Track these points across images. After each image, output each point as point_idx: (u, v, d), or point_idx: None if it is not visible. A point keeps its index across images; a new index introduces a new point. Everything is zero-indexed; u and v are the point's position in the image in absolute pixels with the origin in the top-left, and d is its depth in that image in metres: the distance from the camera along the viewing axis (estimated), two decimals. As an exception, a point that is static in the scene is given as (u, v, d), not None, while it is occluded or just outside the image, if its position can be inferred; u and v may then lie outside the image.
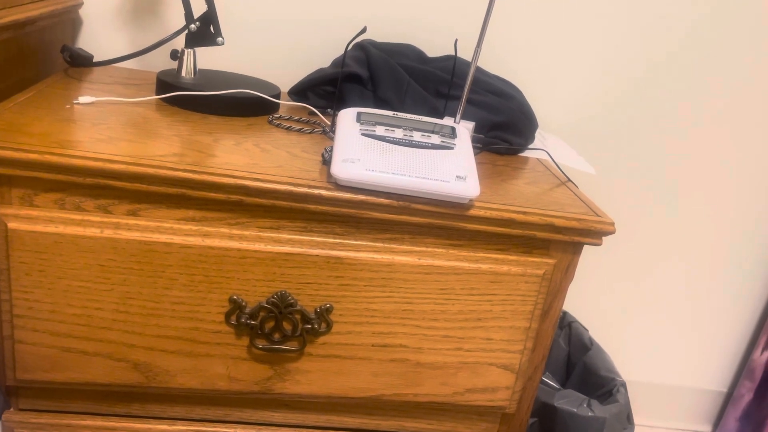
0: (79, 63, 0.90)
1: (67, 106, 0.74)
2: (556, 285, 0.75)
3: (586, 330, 1.16)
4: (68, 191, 0.63)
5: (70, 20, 0.97)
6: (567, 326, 1.17)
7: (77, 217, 0.63)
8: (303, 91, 0.94)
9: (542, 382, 1.08)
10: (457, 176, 0.65)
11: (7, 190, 0.63)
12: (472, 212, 0.68)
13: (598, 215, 0.71)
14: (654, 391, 1.39)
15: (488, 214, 0.68)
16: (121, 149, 0.64)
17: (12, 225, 0.62)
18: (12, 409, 0.72)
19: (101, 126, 0.70)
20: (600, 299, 1.29)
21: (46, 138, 0.63)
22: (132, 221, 0.65)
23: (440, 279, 0.71)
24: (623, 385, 1.03)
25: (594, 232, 0.71)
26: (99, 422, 0.73)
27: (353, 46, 0.96)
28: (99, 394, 0.73)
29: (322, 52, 1.04)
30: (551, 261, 0.73)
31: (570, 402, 0.96)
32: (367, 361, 0.73)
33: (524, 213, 0.69)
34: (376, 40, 0.99)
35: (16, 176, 0.62)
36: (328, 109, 0.92)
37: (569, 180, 0.83)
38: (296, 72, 1.01)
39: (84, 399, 0.73)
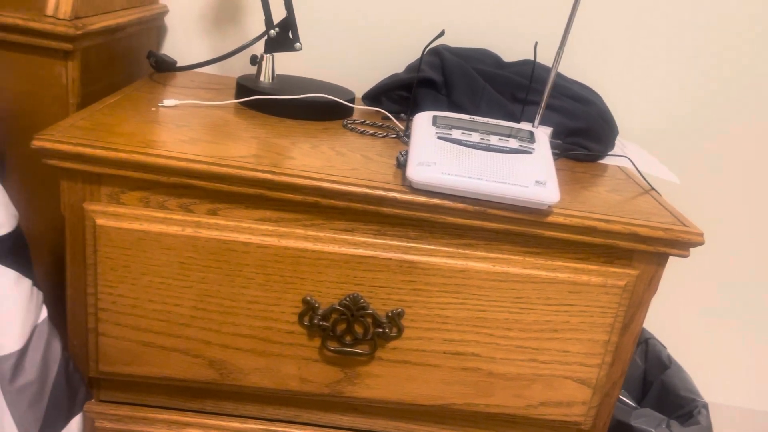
0: (164, 68, 0.94)
1: (153, 109, 0.76)
2: (638, 297, 0.71)
3: (665, 347, 1.10)
4: (153, 190, 0.65)
5: (155, 27, 1.01)
6: (644, 342, 1.12)
7: (161, 215, 0.65)
8: (377, 95, 0.94)
9: (618, 399, 1.03)
10: (537, 181, 0.63)
11: (97, 188, 0.65)
12: (551, 219, 0.66)
13: (685, 225, 0.68)
14: (737, 415, 1.31)
15: (568, 221, 0.66)
16: (203, 150, 0.66)
17: (100, 221, 0.65)
18: (93, 400, 0.74)
19: (184, 128, 0.72)
20: (681, 315, 1.23)
21: (133, 138, 0.66)
22: (212, 220, 0.66)
23: (516, 287, 0.69)
24: (705, 406, 0.97)
25: (681, 243, 0.68)
26: (174, 416, 0.74)
27: (428, 51, 0.95)
28: (175, 389, 0.74)
29: (396, 59, 1.04)
30: (634, 272, 0.69)
31: (648, 421, 0.92)
32: (437, 368, 0.72)
33: (606, 221, 0.66)
34: (450, 46, 0.98)
35: (106, 174, 0.64)
36: (402, 114, 0.92)
37: (653, 188, 0.80)
38: (370, 77, 1.02)
39: (160, 393, 0.75)
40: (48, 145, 0.62)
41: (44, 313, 0.68)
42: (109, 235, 0.65)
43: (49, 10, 0.73)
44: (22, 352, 0.65)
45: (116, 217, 0.65)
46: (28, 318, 0.66)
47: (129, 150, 0.63)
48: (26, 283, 0.66)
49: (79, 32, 0.73)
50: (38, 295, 0.68)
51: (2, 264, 0.63)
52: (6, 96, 0.77)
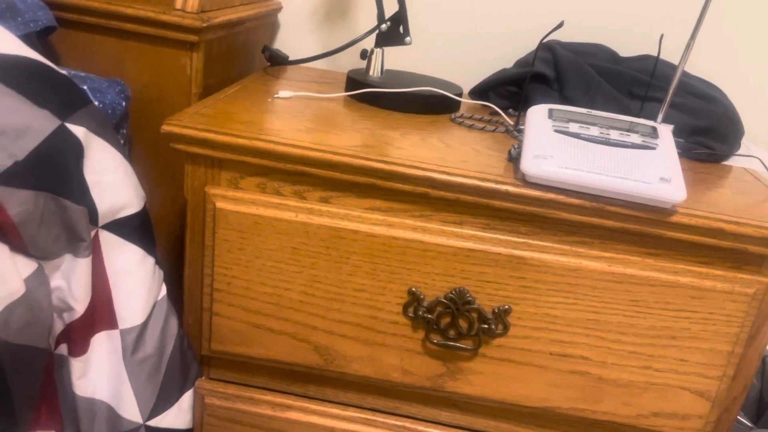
0: (277, 62, 0.97)
1: (269, 100, 0.79)
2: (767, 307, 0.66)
3: (785, 367, 1.02)
4: (270, 176, 0.67)
5: (269, 23, 1.05)
6: (761, 360, 1.04)
7: (276, 200, 0.67)
8: (484, 90, 0.93)
9: (731, 418, 0.97)
10: (661, 178, 0.60)
11: (218, 172, 0.68)
12: (675, 219, 0.62)
13: (826, 231, 0.62)
14: None
15: (693, 221, 0.62)
16: (317, 139, 0.67)
17: (220, 205, 0.67)
18: (204, 378, 0.78)
19: (299, 118, 0.74)
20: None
21: (253, 126, 0.68)
22: (324, 208, 0.67)
23: (632, 289, 0.66)
24: (832, 434, 0.89)
25: (821, 251, 0.62)
26: (278, 399, 0.76)
27: (539, 46, 0.93)
28: (280, 372, 0.76)
29: (503, 54, 1.02)
30: (765, 279, 0.65)
31: (768, 444, 0.85)
32: (543, 369, 0.70)
33: (736, 223, 0.62)
34: (562, 41, 0.95)
35: (227, 160, 0.67)
36: (509, 109, 0.90)
37: (785, 192, 0.74)
38: (477, 73, 1.01)
39: (266, 375, 0.77)
40: (176, 130, 0.65)
41: (164, 290, 0.72)
42: (228, 218, 0.67)
43: (178, 3, 0.77)
44: (144, 327, 0.69)
45: (235, 201, 0.67)
46: (150, 294, 0.69)
47: (249, 137, 0.65)
48: (150, 261, 0.69)
49: (204, 25, 0.77)
50: (159, 273, 0.71)
51: (130, 241, 0.67)
52: (133, 86, 0.82)
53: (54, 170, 0.58)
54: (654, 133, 0.67)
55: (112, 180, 0.64)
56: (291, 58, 0.99)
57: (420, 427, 0.76)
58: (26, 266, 0.58)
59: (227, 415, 0.77)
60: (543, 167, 0.62)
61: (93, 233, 0.64)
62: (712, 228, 0.62)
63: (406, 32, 0.88)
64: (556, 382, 0.70)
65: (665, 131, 0.68)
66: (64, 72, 0.64)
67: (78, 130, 0.61)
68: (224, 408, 0.76)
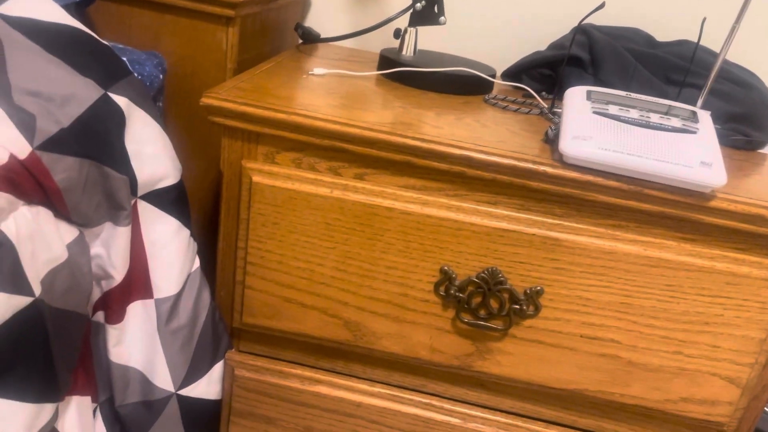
0: (309, 39, 0.97)
1: (304, 76, 0.79)
2: (803, 296, 0.66)
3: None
4: (305, 152, 0.68)
5: (301, 2, 1.05)
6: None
7: (311, 176, 0.68)
8: (517, 73, 0.93)
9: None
10: (702, 162, 0.60)
11: (254, 146, 0.68)
12: (714, 203, 0.62)
13: None
14: None
15: (732, 207, 0.62)
16: (353, 115, 0.67)
17: (256, 179, 0.68)
18: (234, 350, 0.79)
19: (335, 95, 0.74)
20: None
21: (289, 101, 0.68)
22: (359, 184, 0.67)
23: (667, 274, 0.65)
24: None
25: None
26: (307, 373, 0.77)
27: (577, 28, 0.92)
28: (309, 347, 0.77)
29: (537, 37, 1.01)
30: (802, 268, 0.64)
31: (793, 435, 0.85)
32: (573, 351, 0.70)
33: (776, 210, 0.61)
34: (596, 24, 0.94)
35: (264, 134, 0.67)
36: (542, 92, 0.90)
37: (824, 181, 0.73)
38: (510, 55, 1.00)
39: (295, 349, 0.78)
40: (215, 103, 0.65)
41: (197, 262, 0.73)
42: (263, 192, 0.68)
43: (216, -23, 0.77)
44: (178, 297, 0.70)
45: (271, 176, 0.68)
46: (185, 266, 0.70)
47: (287, 111, 0.65)
48: (185, 232, 0.70)
49: (241, -1, 0.77)
50: (194, 245, 0.72)
51: (167, 212, 0.68)
52: (169, 59, 0.82)
53: (97, 138, 0.58)
54: (694, 117, 0.66)
55: (151, 151, 0.65)
56: (321, 36, 0.98)
57: (447, 406, 0.76)
58: (68, 232, 0.59)
59: (256, 387, 0.78)
60: (582, 148, 0.61)
61: (132, 203, 0.65)
62: (752, 214, 0.62)
63: (441, 12, 0.87)
64: (585, 364, 0.70)
65: (705, 116, 0.67)
66: (105, 42, 0.65)
67: (120, 100, 0.61)
68: (253, 380, 0.77)
